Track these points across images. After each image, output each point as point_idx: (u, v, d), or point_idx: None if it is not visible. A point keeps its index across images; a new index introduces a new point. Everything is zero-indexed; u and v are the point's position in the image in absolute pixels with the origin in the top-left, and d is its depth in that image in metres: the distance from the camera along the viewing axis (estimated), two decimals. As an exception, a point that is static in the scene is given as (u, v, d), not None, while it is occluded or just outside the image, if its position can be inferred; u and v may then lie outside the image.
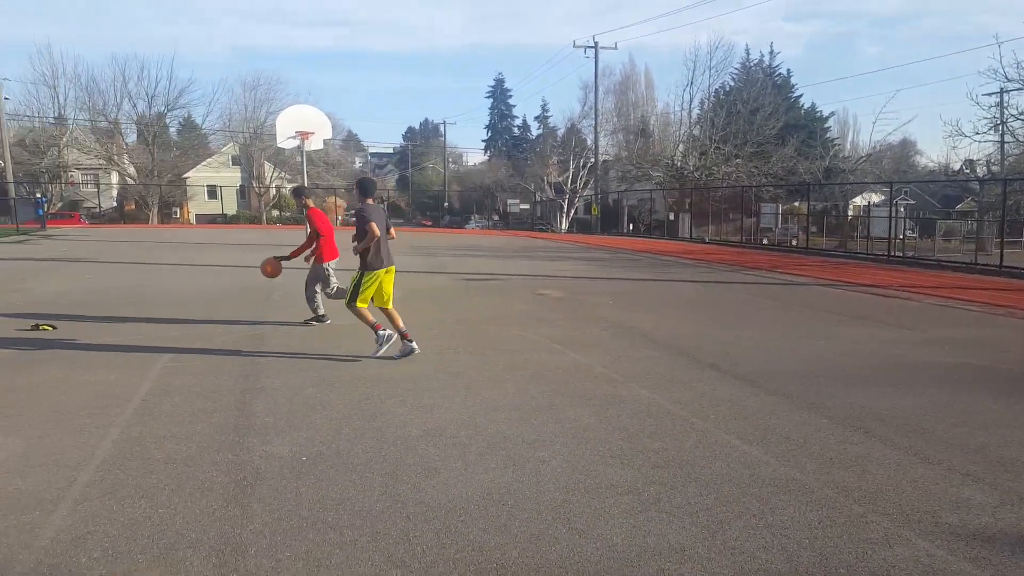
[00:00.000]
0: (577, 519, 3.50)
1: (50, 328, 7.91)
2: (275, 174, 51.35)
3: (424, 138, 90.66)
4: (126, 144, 50.44)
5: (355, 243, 6.64)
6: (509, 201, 55.49)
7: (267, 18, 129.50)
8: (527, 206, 54.05)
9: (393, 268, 6.82)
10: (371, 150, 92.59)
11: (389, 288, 6.77)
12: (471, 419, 4.99)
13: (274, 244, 23.75)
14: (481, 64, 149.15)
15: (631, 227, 41.75)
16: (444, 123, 67.86)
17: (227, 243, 24.20)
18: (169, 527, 3.35)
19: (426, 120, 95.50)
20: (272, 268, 8.48)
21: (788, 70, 55.55)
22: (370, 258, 6.59)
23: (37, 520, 3.39)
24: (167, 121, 52.42)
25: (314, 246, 8.39)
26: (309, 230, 8.64)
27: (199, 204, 52.55)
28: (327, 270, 8.42)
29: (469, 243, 27.32)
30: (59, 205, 47.15)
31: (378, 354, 6.65)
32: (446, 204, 59.51)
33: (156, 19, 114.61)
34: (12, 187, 36.97)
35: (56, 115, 48.31)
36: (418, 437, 4.61)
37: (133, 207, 49.42)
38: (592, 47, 40.25)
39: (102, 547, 3.16)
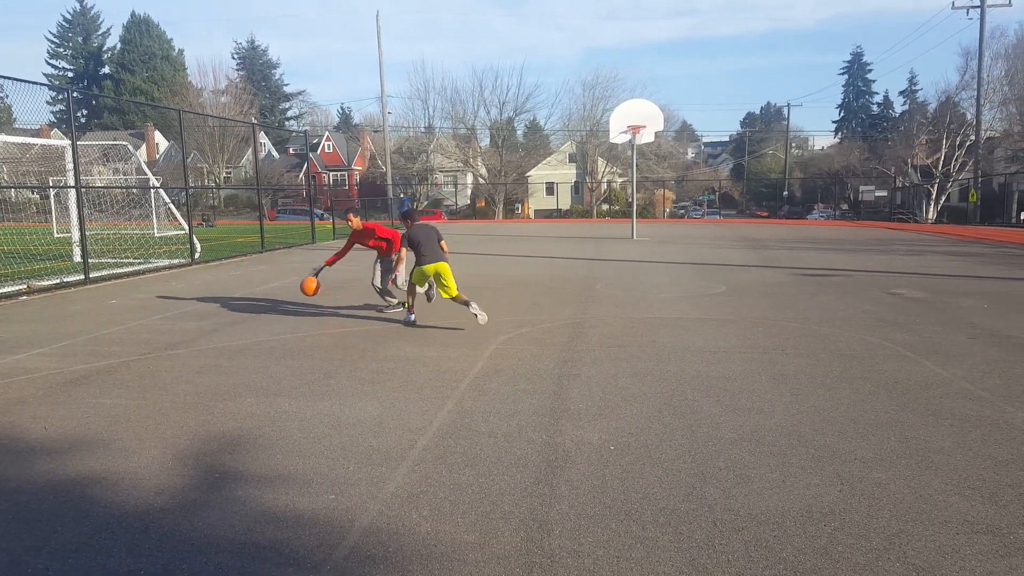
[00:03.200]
0: (915, 554, 2.94)
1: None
2: (607, 169, 53.32)
3: (764, 123, 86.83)
4: (480, 148, 56.68)
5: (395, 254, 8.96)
6: (862, 188, 49.80)
7: (614, 15, 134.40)
8: (884, 193, 47.93)
9: (437, 265, 7.93)
10: (705, 139, 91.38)
11: (437, 278, 8.01)
12: (795, 428, 4.53)
13: (594, 236, 24.67)
14: (835, 39, 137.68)
15: (1022, 216, 34.68)
16: (788, 105, 63.78)
17: (557, 236, 25.74)
18: (487, 496, 3.59)
19: (768, 104, 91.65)
20: (310, 286, 8.94)
21: None
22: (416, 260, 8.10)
23: (383, 475, 3.90)
24: (515, 125, 57.70)
25: (386, 247, 9.30)
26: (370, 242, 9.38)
27: (538, 200, 56.86)
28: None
29: (808, 234, 25.24)
30: (425, 203, 55.03)
31: (389, 312, 8.88)
32: (785, 193, 55.59)
33: (513, 29, 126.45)
34: (390, 188, 44.00)
35: (426, 125, 56.43)
36: (732, 440, 4.31)
37: (483, 204, 55.34)
38: (977, 6, 34.42)
39: (431, 507, 3.50)
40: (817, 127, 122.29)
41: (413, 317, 8.30)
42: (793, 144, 70.62)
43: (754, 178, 68.46)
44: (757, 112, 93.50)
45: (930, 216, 41.33)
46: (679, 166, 62.30)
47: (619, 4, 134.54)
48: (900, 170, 46.06)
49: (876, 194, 47.83)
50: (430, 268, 7.97)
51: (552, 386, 5.56)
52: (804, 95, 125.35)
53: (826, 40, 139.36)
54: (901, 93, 71.51)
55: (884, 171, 47.53)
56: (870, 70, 78.51)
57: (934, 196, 41.81)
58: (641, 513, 3.39)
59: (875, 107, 78.27)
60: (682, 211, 57.91)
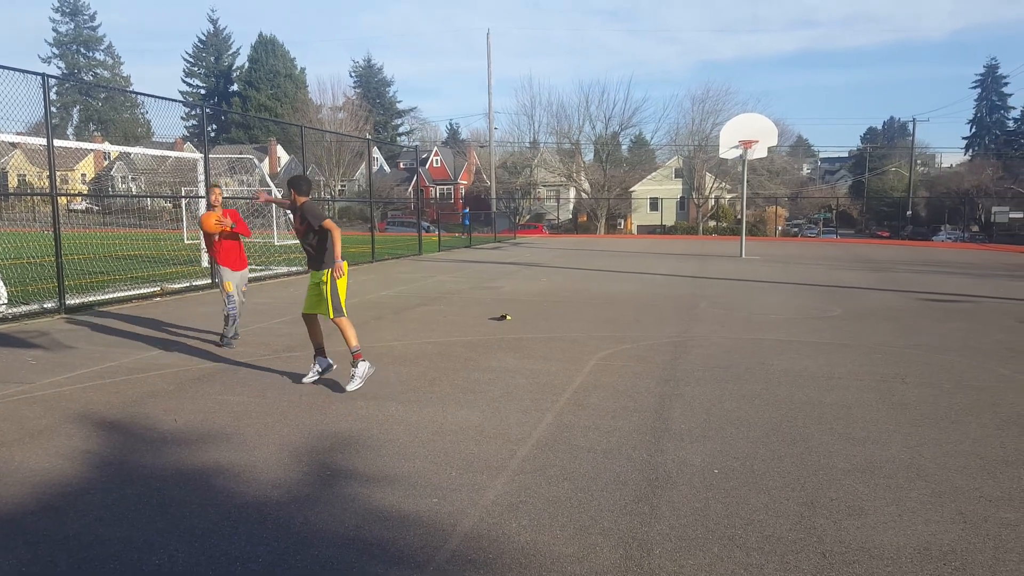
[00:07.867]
0: (1057, 611, 2.72)
1: (508, 317, 9.57)
2: (715, 185, 52.08)
3: (887, 139, 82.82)
4: (584, 162, 56.69)
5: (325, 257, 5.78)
6: (994, 209, 46.33)
7: (730, 28, 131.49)
8: (1020, 215, 44.40)
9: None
10: (822, 155, 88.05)
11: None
12: (914, 461, 4.28)
13: (700, 254, 24.08)
14: (968, 50, 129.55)
15: None
16: (914, 120, 60.19)
17: (661, 252, 25.34)
18: (585, 511, 3.60)
19: (891, 119, 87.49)
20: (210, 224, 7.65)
21: None
22: (333, 255, 5.71)
23: (483, 482, 3.98)
24: (620, 139, 57.37)
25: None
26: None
27: (641, 216, 56.17)
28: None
29: (933, 257, 23.69)
30: (527, 217, 55.57)
31: (354, 387, 5.81)
32: (909, 212, 52.35)
33: (625, 43, 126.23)
34: (494, 203, 44.68)
35: (531, 140, 57.07)
36: (845, 471, 4.12)
37: (585, 219, 55.23)
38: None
39: (529, 517, 3.54)
40: (945, 143, 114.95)
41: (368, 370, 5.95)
42: (918, 161, 66.57)
43: (875, 196, 64.87)
44: (879, 127, 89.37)
45: (1075, 240, 37.90)
46: (793, 182, 59.94)
47: (736, 16, 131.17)
48: (1039, 189, 42.56)
49: (1011, 215, 44.37)
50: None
51: (653, 404, 5.49)
52: (931, 110, 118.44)
53: (958, 52, 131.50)
54: (1041, 107, 66.53)
55: (1020, 191, 44.04)
56: (1006, 83, 73.65)
57: (1081, 218, 38.36)
58: (745, 539, 3.30)
59: (1011, 123, 73.16)
60: (795, 229, 55.70)
